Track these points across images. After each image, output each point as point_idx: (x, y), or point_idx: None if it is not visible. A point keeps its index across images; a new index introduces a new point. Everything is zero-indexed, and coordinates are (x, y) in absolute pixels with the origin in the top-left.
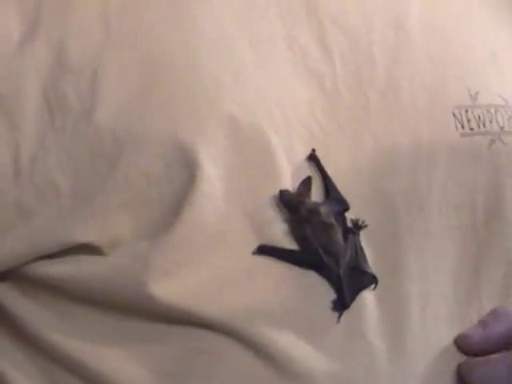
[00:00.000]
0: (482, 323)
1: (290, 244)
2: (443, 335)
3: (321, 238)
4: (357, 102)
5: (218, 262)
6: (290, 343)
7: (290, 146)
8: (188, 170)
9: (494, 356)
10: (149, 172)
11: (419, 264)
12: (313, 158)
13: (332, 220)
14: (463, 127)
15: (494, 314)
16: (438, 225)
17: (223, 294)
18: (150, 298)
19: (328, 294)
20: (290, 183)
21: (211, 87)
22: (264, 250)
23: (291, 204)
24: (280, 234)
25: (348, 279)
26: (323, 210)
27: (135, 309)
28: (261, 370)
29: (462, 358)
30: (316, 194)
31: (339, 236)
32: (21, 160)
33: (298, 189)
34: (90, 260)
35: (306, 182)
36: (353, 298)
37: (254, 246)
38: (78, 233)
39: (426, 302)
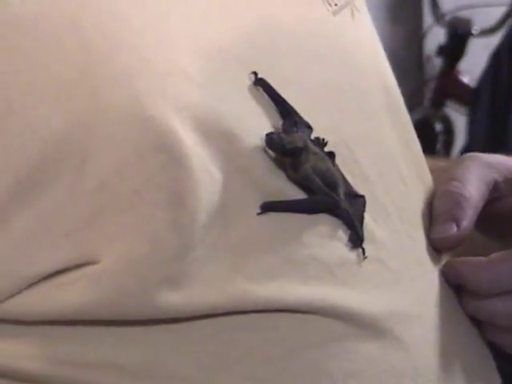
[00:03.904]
0: (452, 217)
1: (295, 191)
2: (417, 235)
3: (321, 173)
4: None
5: (230, 238)
6: (353, 300)
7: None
8: (167, 153)
9: (497, 256)
10: (120, 167)
11: (372, 163)
12: (260, 82)
13: (318, 150)
14: (330, 4)
15: (455, 201)
16: (357, 111)
17: (248, 272)
18: (158, 310)
19: (343, 231)
20: (260, 124)
21: (155, 34)
22: (269, 207)
23: (284, 148)
24: (283, 183)
25: (351, 209)
26: (309, 141)
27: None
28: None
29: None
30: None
31: (330, 165)
32: None
33: (284, 127)
34: (58, 290)
35: (292, 117)
36: (361, 228)
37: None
38: (43, 260)
39: (396, 206)
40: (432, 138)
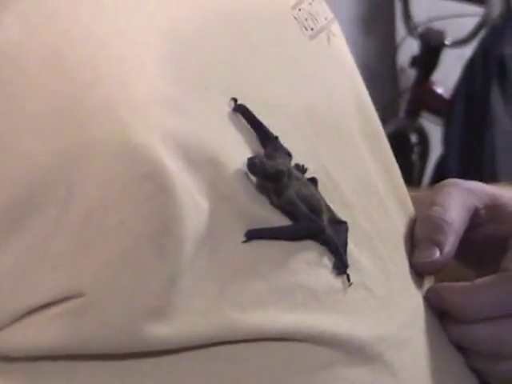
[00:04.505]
0: (435, 243)
1: (279, 218)
2: (400, 260)
3: (305, 199)
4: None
5: (216, 267)
6: (341, 326)
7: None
8: (152, 183)
9: (481, 282)
10: (105, 198)
11: (352, 189)
12: (239, 108)
13: (301, 176)
14: (306, 29)
15: (437, 226)
16: (335, 136)
17: (235, 299)
18: (145, 343)
19: (328, 258)
20: (242, 151)
21: (134, 61)
22: (254, 235)
23: (267, 172)
24: (266, 210)
25: (335, 235)
26: (291, 167)
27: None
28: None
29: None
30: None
31: (314, 191)
32: None
33: (267, 152)
34: (43, 324)
35: (274, 143)
36: (345, 254)
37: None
38: (29, 294)
39: (378, 231)
40: (407, 150)
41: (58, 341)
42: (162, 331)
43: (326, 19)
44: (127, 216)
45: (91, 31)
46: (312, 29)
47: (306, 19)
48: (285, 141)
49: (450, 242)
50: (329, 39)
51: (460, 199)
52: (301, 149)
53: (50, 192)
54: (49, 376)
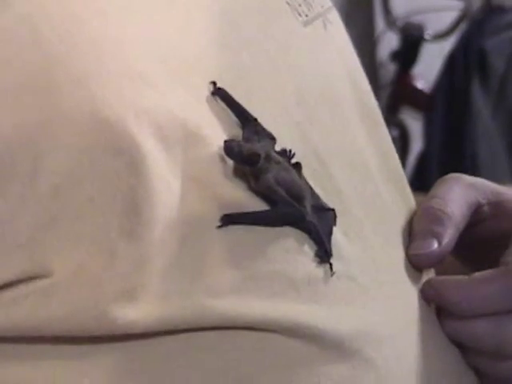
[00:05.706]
0: (433, 234)
1: (256, 203)
2: (395, 252)
3: (285, 184)
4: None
5: (188, 251)
6: (318, 319)
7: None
8: (123, 159)
9: (480, 276)
10: (74, 171)
11: (346, 176)
12: (218, 92)
13: (282, 160)
14: (300, 14)
15: (436, 218)
16: (329, 122)
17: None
18: (113, 325)
19: (309, 246)
20: (219, 134)
21: (113, 40)
22: (230, 220)
23: (243, 155)
24: (243, 194)
25: (319, 223)
26: (272, 151)
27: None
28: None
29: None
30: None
31: (296, 176)
32: None
33: (245, 135)
34: (7, 305)
35: (253, 126)
36: (330, 243)
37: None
38: None
39: (372, 221)
40: None
41: (20, 322)
42: (129, 314)
43: (322, 7)
44: (96, 193)
45: (73, 10)
46: (306, 15)
47: (300, 5)
48: (270, 125)
49: (449, 235)
50: (325, 26)
51: (462, 193)
52: (290, 133)
53: (15, 166)
54: (12, 359)
